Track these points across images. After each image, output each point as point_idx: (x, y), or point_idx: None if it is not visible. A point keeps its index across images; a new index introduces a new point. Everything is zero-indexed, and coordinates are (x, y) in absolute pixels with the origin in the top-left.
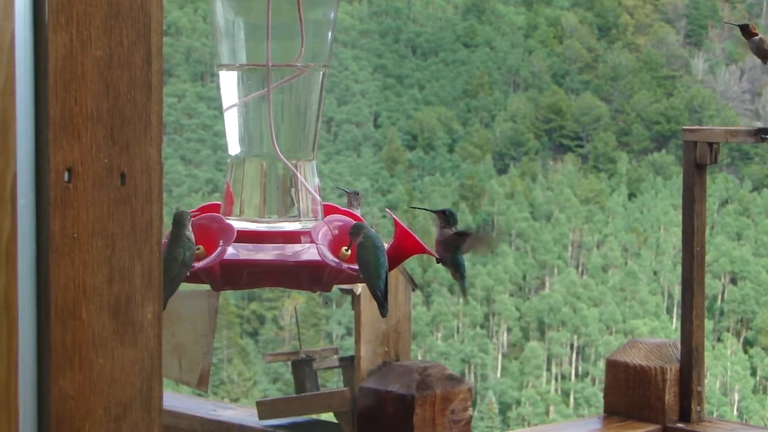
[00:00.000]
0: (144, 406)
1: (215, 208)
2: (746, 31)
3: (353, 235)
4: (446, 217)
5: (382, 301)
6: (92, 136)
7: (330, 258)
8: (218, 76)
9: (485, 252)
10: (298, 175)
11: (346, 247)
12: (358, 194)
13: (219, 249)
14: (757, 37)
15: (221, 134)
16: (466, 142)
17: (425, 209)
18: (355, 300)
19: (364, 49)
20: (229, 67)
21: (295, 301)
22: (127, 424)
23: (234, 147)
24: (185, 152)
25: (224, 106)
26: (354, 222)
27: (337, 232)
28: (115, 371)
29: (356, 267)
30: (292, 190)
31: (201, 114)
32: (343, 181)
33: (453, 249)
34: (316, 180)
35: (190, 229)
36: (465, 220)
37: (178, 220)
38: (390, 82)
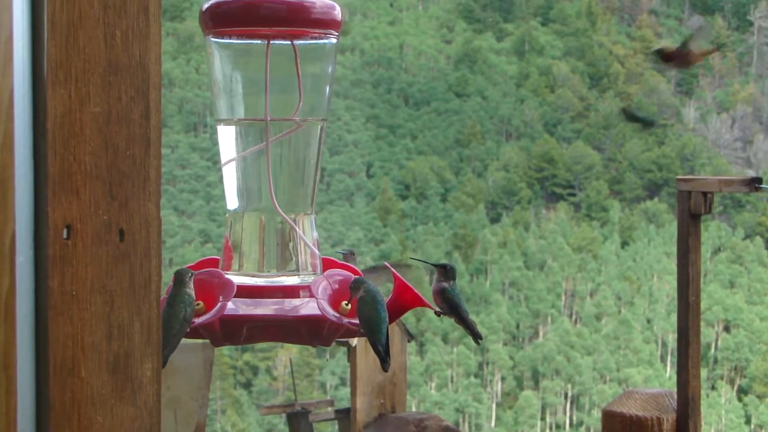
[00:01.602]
0: None
1: (214, 262)
2: (662, 54)
3: (354, 290)
4: (446, 272)
5: (383, 356)
6: (91, 193)
7: (330, 313)
8: (216, 130)
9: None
10: (297, 229)
11: (346, 302)
12: (353, 254)
13: (219, 305)
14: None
15: (214, 185)
16: (459, 192)
17: (425, 262)
18: (351, 352)
19: (356, 99)
20: (228, 122)
21: (288, 352)
22: None
23: (232, 201)
24: (178, 203)
25: (223, 161)
26: (354, 276)
27: (337, 286)
28: (114, 429)
29: (356, 321)
30: (291, 244)
31: (194, 165)
32: (335, 231)
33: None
34: (315, 234)
35: (191, 286)
36: (459, 269)
37: (179, 278)
38: (382, 132)
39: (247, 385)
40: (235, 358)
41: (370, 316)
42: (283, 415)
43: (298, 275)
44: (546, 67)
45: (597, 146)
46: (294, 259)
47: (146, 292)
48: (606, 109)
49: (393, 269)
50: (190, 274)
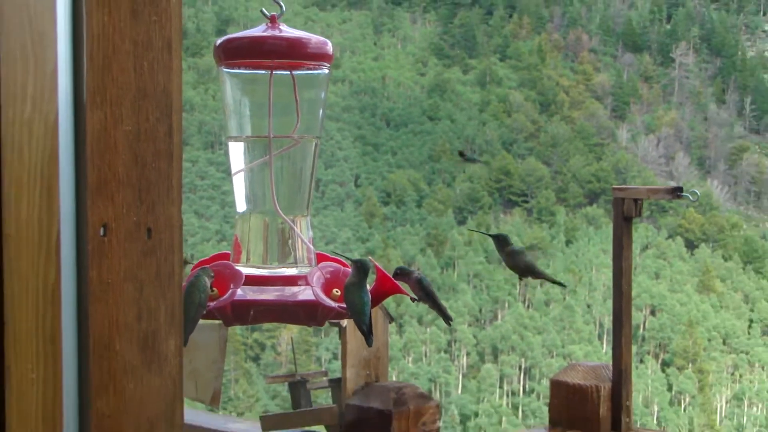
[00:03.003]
0: (168, 423)
1: (225, 256)
2: (500, 241)
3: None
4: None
5: (367, 334)
6: (123, 198)
7: (323, 298)
8: (227, 146)
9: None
10: (295, 228)
11: (336, 289)
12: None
13: (230, 291)
14: (510, 248)
15: (228, 193)
16: (431, 199)
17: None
18: (342, 331)
19: (346, 122)
20: (237, 139)
21: (290, 332)
22: None
23: (241, 205)
24: (198, 208)
25: (232, 171)
26: (343, 268)
27: (329, 276)
28: (143, 395)
29: (345, 306)
30: (290, 241)
31: (211, 176)
32: (329, 231)
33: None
34: (310, 233)
35: (207, 278)
36: (430, 263)
37: (200, 273)
38: (368, 149)
39: (256, 359)
40: (246, 337)
41: (354, 301)
42: (285, 384)
43: (296, 267)
44: (503, 95)
45: (546, 161)
46: (292, 253)
47: (170, 281)
48: (554, 131)
49: (375, 263)
50: (210, 272)
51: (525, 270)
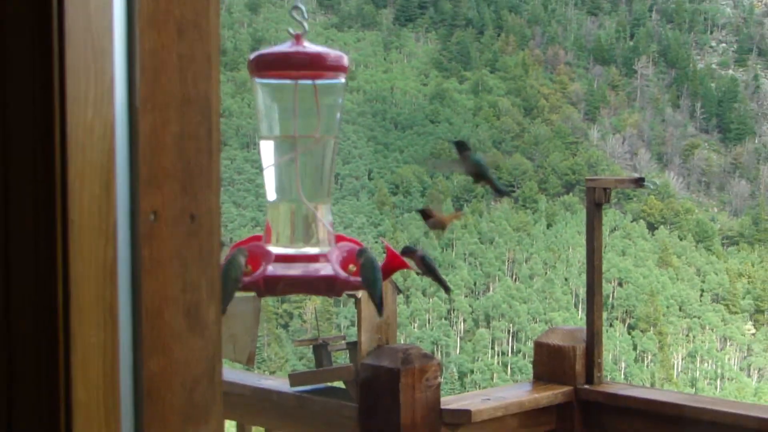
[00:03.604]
0: (209, 380)
1: (258, 238)
2: (425, 214)
3: (358, 257)
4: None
5: (378, 305)
6: (170, 189)
7: (341, 273)
8: (259, 145)
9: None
10: (317, 214)
11: (352, 265)
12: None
13: (262, 268)
14: (431, 220)
15: (261, 185)
16: (433, 189)
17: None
18: (358, 302)
19: (360, 125)
20: (267, 138)
21: (314, 303)
22: (197, 393)
23: (271, 195)
24: (236, 198)
25: (264, 167)
26: (358, 248)
27: (345, 254)
28: (188, 356)
29: (360, 279)
30: (313, 225)
31: (247, 172)
32: (346, 218)
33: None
34: (330, 217)
35: (242, 257)
36: (432, 244)
37: (236, 253)
38: (379, 148)
39: (285, 326)
40: (276, 307)
41: (368, 277)
42: (310, 347)
43: (318, 247)
44: (493, 102)
45: (530, 157)
46: (315, 235)
47: (210, 259)
48: (536, 131)
49: (386, 243)
50: (245, 252)
51: (477, 175)
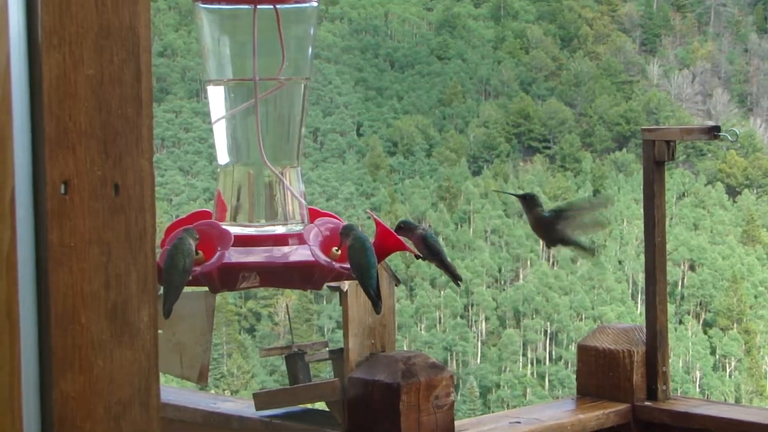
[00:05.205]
0: (143, 404)
1: (206, 215)
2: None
3: (344, 236)
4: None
5: (374, 298)
6: (86, 150)
7: (322, 258)
8: (206, 91)
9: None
10: (284, 181)
11: (336, 248)
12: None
13: (218, 254)
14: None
15: (214, 147)
16: (443, 147)
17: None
18: (343, 296)
19: (346, 64)
20: (217, 83)
21: (287, 299)
22: (126, 422)
23: (223, 157)
24: (183, 164)
25: (213, 119)
26: (343, 224)
27: (327, 233)
28: (114, 372)
29: (347, 266)
30: (278, 196)
31: (197, 128)
32: (329, 186)
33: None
34: (302, 186)
35: (192, 240)
36: (443, 219)
37: (184, 235)
38: (371, 94)
39: (251, 331)
40: (239, 306)
41: (360, 262)
42: (282, 357)
43: (285, 224)
44: (520, 30)
45: (569, 102)
46: (281, 209)
47: (141, 244)
48: (576, 68)
49: (374, 216)
50: (194, 233)
51: (554, 239)
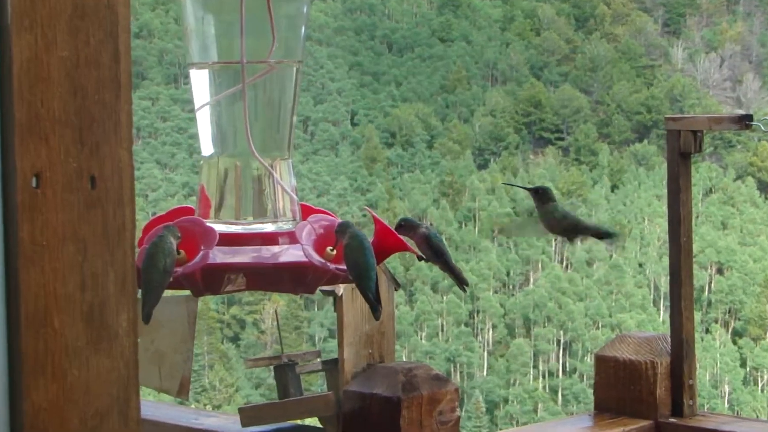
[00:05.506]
0: (121, 415)
1: (188, 211)
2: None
3: (340, 234)
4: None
5: (374, 303)
6: (60, 139)
7: (316, 258)
8: (189, 75)
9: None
10: (274, 174)
11: (331, 247)
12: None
13: (201, 253)
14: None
15: (197, 137)
16: (445, 138)
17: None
18: (337, 301)
19: (339, 47)
20: (201, 66)
21: (275, 305)
22: None
23: (207, 147)
24: (160, 156)
25: (196, 106)
26: (338, 222)
27: (321, 231)
28: (90, 381)
29: (343, 267)
30: (267, 190)
31: (176, 117)
32: (321, 181)
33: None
34: (293, 180)
35: (173, 239)
36: (446, 217)
37: (164, 232)
38: (366, 80)
39: (235, 339)
40: (221, 312)
41: (357, 262)
42: (270, 368)
43: (276, 222)
44: (531, 9)
45: (584, 89)
46: (271, 205)
47: (120, 240)
48: (593, 51)
49: (374, 214)
50: (175, 231)
51: (570, 232)
